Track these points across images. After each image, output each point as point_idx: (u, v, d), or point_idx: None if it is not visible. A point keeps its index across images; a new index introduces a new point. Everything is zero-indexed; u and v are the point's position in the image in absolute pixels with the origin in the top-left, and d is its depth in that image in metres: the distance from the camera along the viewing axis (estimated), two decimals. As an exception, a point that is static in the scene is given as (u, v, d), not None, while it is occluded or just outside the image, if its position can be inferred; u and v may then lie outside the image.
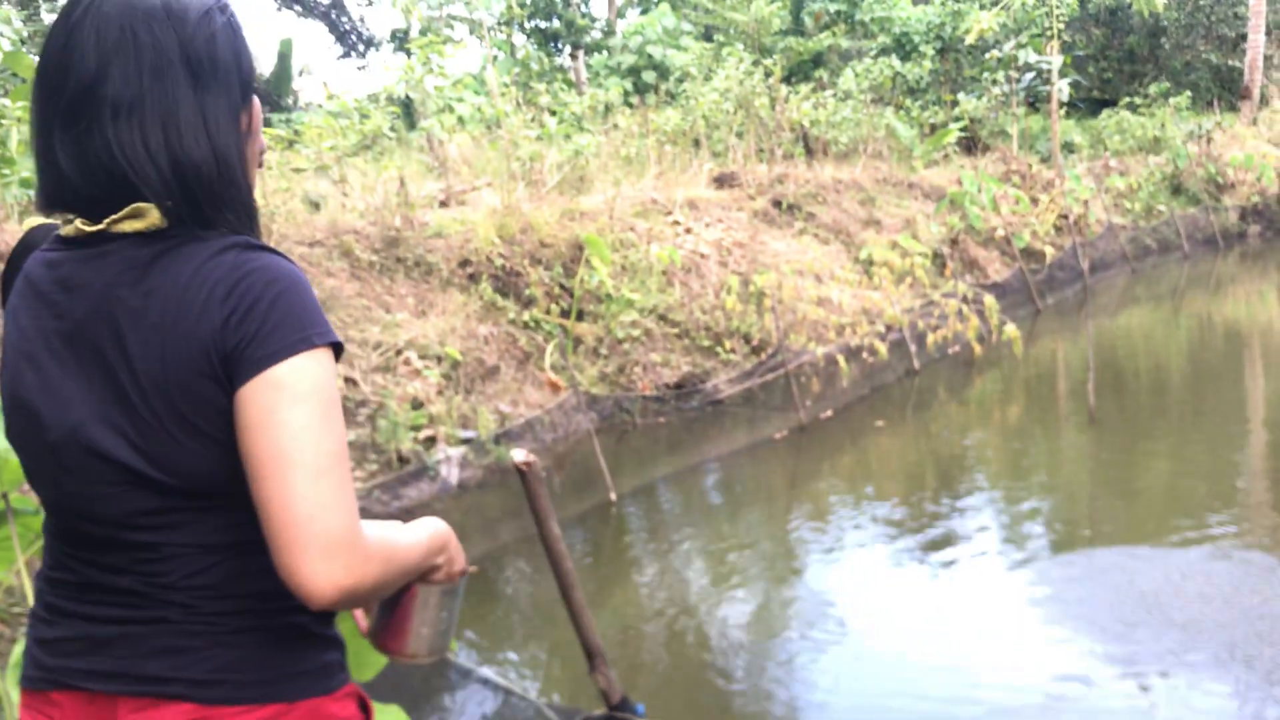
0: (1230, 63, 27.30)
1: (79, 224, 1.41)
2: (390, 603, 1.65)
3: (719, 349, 11.34)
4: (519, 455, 2.94)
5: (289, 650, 1.47)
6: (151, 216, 1.38)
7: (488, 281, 10.52)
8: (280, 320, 1.35)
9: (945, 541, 7.17)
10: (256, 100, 1.53)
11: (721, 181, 15.42)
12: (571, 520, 8.30)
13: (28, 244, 1.53)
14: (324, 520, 1.30)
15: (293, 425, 1.32)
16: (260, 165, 1.55)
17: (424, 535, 1.57)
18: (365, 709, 1.56)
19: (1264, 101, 25.22)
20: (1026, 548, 7.08)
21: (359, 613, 1.74)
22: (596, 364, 10.58)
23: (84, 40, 1.36)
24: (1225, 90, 27.11)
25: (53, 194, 1.43)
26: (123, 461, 1.38)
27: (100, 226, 1.39)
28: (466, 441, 8.81)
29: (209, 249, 1.38)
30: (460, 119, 15.34)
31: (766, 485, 9.19)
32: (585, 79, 25.70)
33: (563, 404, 9.72)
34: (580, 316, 10.82)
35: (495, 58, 23.19)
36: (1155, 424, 10.36)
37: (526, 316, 10.50)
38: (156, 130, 1.36)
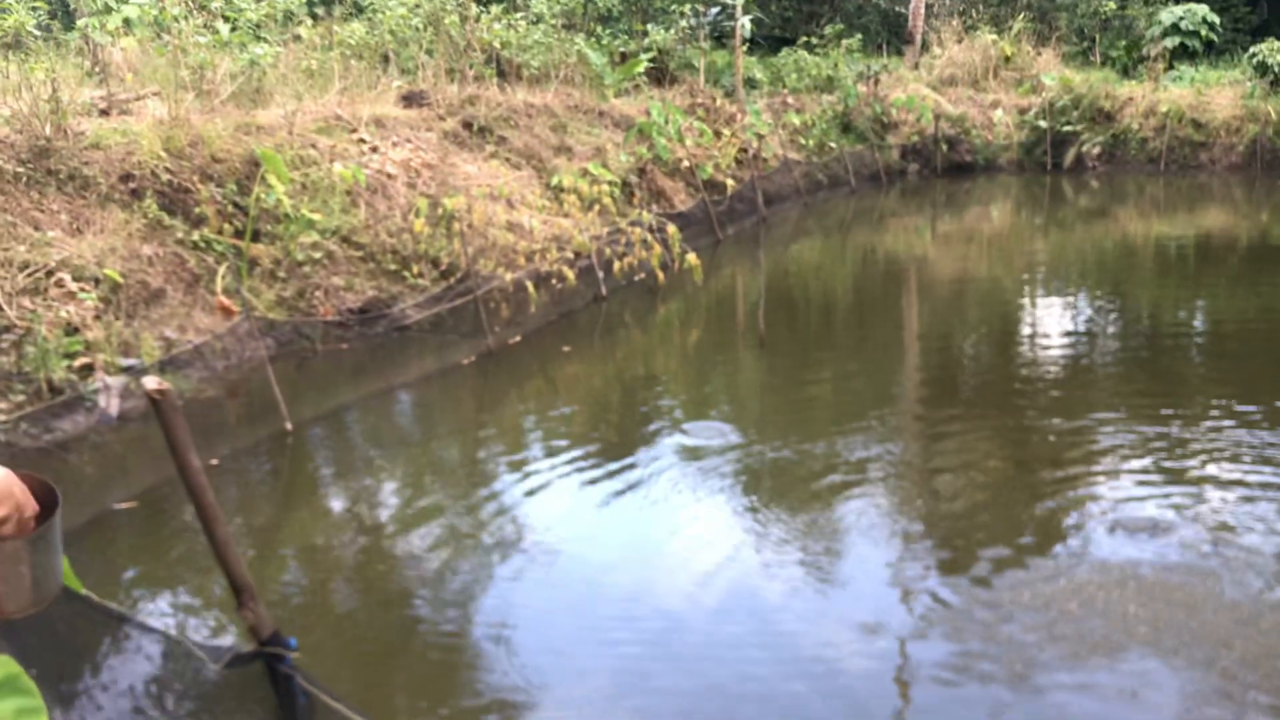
0: (897, 8, 29.15)
1: None
2: None
3: (406, 273, 11.07)
4: (150, 383, 2.71)
5: None
6: None
7: (153, 198, 9.74)
8: None
9: (628, 463, 7.35)
10: None
11: (410, 100, 14.96)
12: (244, 451, 7.91)
13: None
14: None
15: None
16: None
17: None
18: None
19: (926, 47, 27.11)
20: (700, 462, 7.37)
21: None
22: (274, 287, 10.07)
23: None
24: (893, 35, 28.96)
25: None
26: None
27: None
28: (128, 370, 8.18)
29: None
30: (126, 20, 14.05)
31: (454, 412, 9.11)
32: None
33: (235, 329, 9.20)
34: (256, 237, 10.24)
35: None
36: (820, 346, 11.06)
37: (196, 236, 9.83)
38: None
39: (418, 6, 16.09)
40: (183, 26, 12.05)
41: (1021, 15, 27.03)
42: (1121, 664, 4.64)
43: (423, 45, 16.41)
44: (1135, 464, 6.98)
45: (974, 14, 27.93)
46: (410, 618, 5.44)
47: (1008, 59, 25.78)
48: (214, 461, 7.46)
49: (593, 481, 7.04)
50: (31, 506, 1.47)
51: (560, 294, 11.65)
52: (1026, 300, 12.85)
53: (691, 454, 7.50)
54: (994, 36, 25.97)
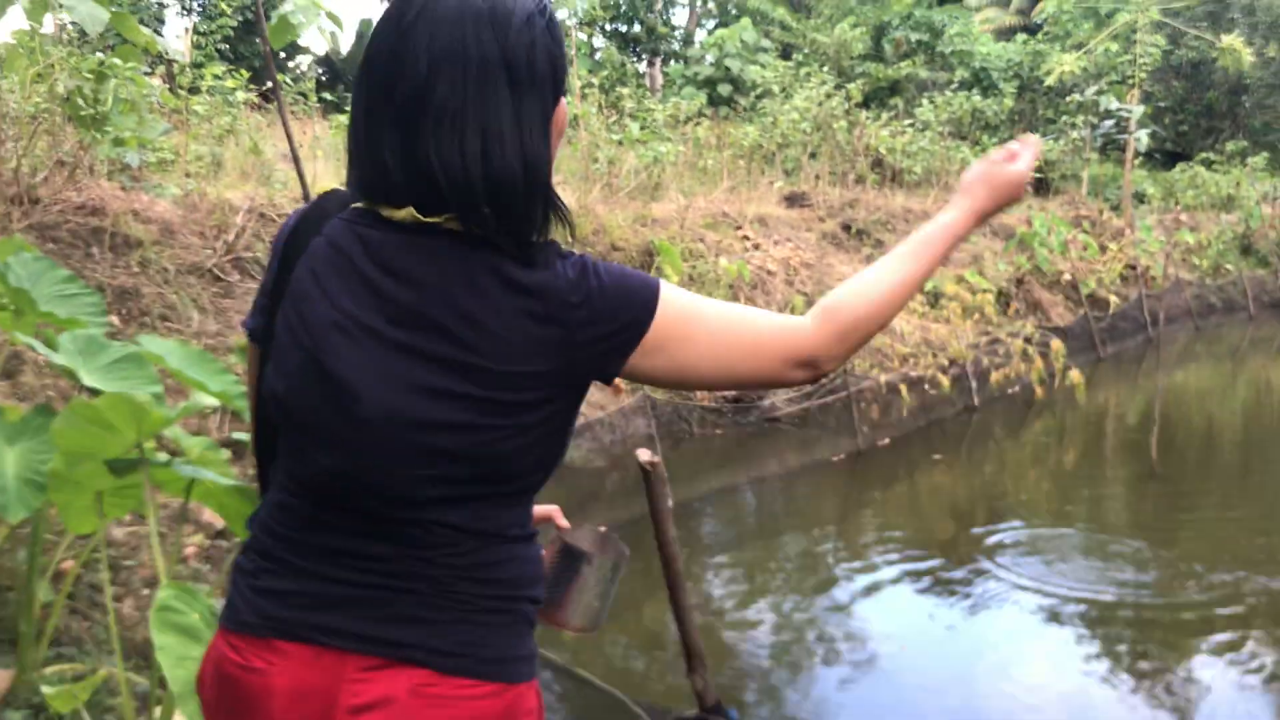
0: (1311, 126, 27.02)
1: (412, 213, 1.45)
2: (559, 577, 1.81)
3: (780, 367, 11.36)
4: (644, 455, 3.02)
5: (519, 636, 1.56)
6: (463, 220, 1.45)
7: (560, 279, 10.60)
8: (624, 300, 1.50)
9: (982, 580, 7.16)
10: (564, 101, 1.58)
11: (792, 201, 15.46)
12: (624, 522, 8.37)
13: (323, 208, 1.58)
14: (783, 320, 1.61)
15: (701, 309, 1.54)
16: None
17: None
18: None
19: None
20: (1069, 595, 7.06)
21: None
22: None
23: (417, 44, 1.41)
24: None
25: (372, 184, 1.48)
26: (443, 445, 1.45)
27: (435, 220, 1.45)
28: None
29: (534, 255, 1.48)
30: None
31: (819, 507, 9.21)
32: (660, 86, 25.82)
33: (623, 407, 9.80)
34: (648, 322, 10.89)
35: (573, 58, 23.37)
36: (1215, 479, 10.29)
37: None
38: (475, 140, 1.41)
39: (808, 111, 16.64)
40: (594, 123, 13.11)
41: None
42: None
43: (808, 148, 16.92)
44: None
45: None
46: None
47: None
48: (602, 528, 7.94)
49: (950, 592, 6.92)
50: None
51: (931, 401, 11.55)
52: None
53: (1051, 571, 7.21)
54: None
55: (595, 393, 10.08)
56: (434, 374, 1.44)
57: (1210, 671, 5.89)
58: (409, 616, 1.48)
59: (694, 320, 1.51)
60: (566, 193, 12.68)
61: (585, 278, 1.48)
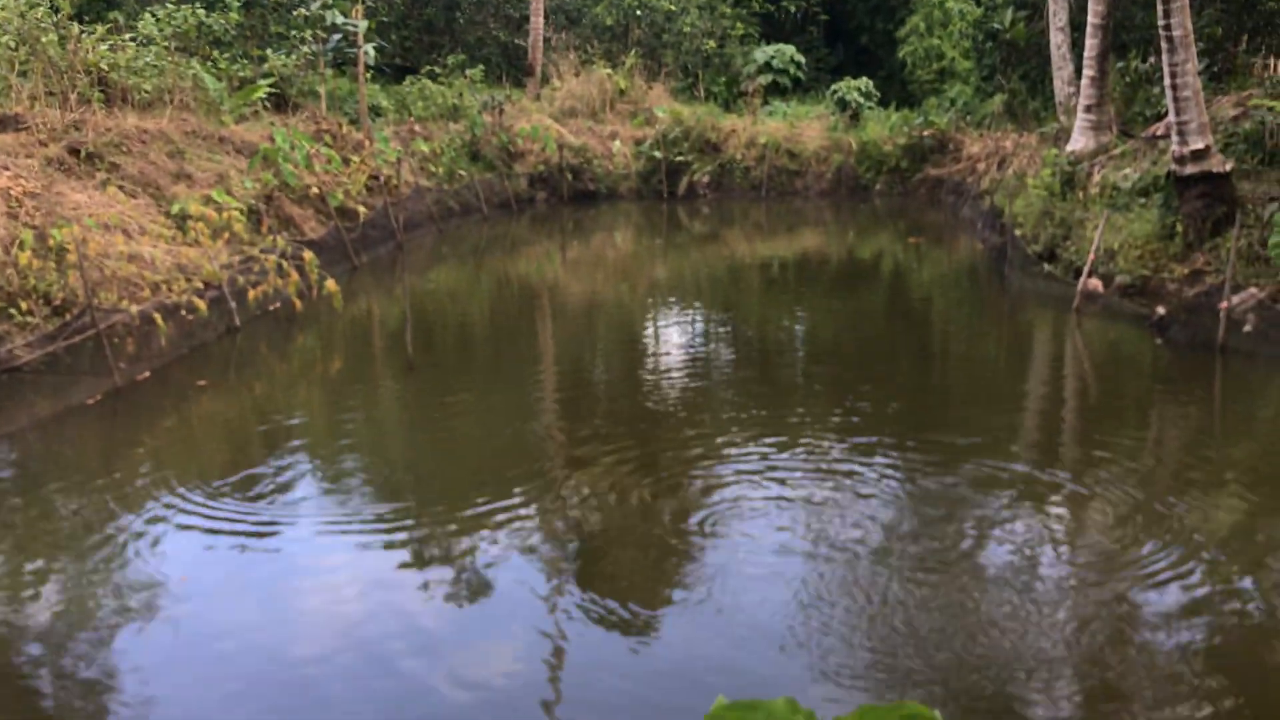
0: (516, 41, 29.96)
1: None
2: None
3: (13, 311, 10.24)
4: None
5: None
6: None
7: None
8: None
9: (278, 504, 7.25)
10: None
11: (3, 124, 13.80)
12: None
13: None
14: None
15: None
16: None
17: None
18: None
19: (545, 79, 28.06)
20: (349, 500, 7.40)
21: None
22: None
23: None
24: (513, 66, 29.72)
25: None
26: None
27: None
28: None
29: None
30: None
31: (83, 455, 8.53)
32: None
33: None
34: None
35: None
36: (465, 369, 11.28)
37: None
38: None
39: (8, 24, 14.84)
40: None
41: (633, 51, 28.62)
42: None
43: (15, 66, 15.14)
44: (751, 463, 7.75)
45: (589, 49, 29.21)
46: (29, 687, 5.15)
47: (622, 92, 27.23)
48: None
49: (231, 523, 6.91)
50: None
51: (191, 326, 11.18)
52: (650, 320, 13.72)
53: (338, 486, 7.52)
54: (609, 71, 27.35)
55: None
56: None
57: (495, 547, 6.53)
58: None
59: None
60: None
61: None
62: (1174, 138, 11.68)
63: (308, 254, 12.63)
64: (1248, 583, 5.70)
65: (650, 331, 12.94)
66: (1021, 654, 5.04)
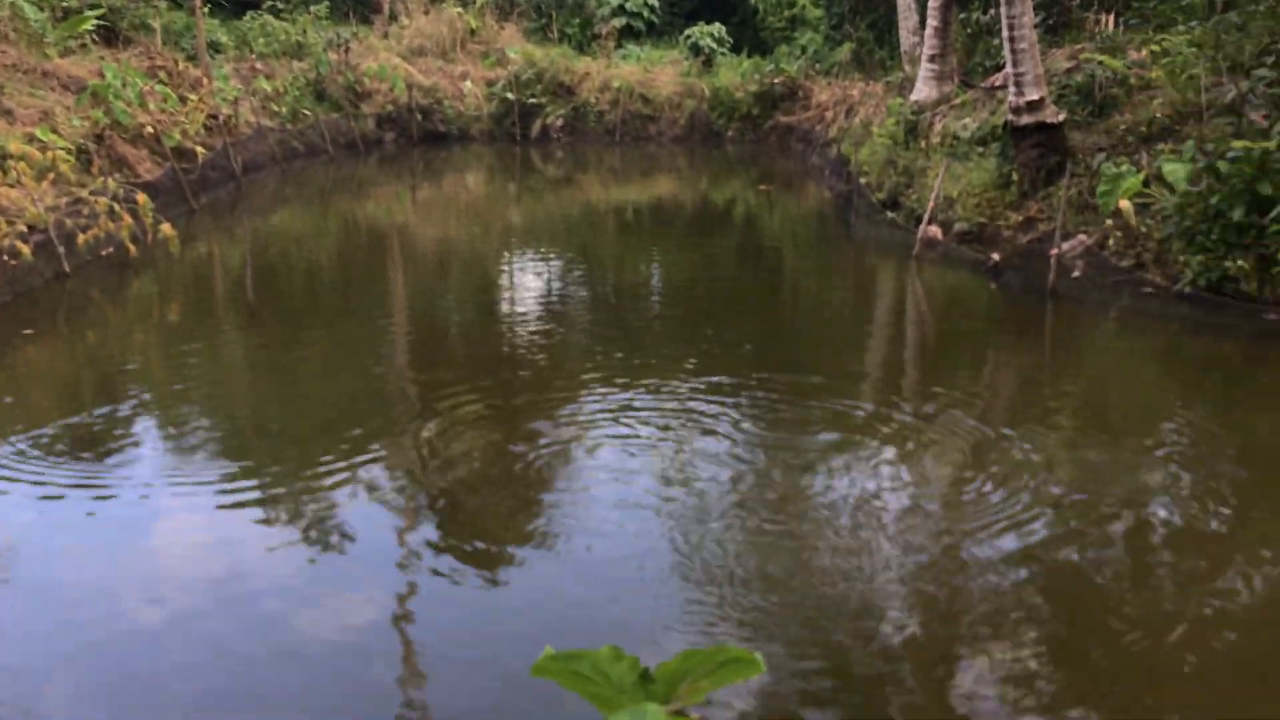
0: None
1: None
2: None
3: None
4: None
5: None
6: None
7: None
8: None
9: (115, 460, 6.98)
10: None
11: None
12: None
13: None
14: None
15: None
16: None
17: None
18: None
19: (394, 17, 27.32)
20: (193, 455, 7.18)
21: None
22: None
23: None
24: (360, 2, 28.83)
25: None
26: None
27: None
28: None
29: None
30: None
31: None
32: None
33: None
34: None
35: None
36: (310, 315, 11.00)
37: None
38: None
39: None
40: None
41: (484, -11, 28.07)
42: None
43: None
44: (608, 405, 7.79)
45: (439, -14, 28.53)
46: None
47: (473, 32, 26.72)
48: None
49: (64, 483, 6.63)
50: None
51: (15, 272, 10.60)
52: (504, 265, 13.61)
53: (180, 440, 7.29)
54: (459, 9, 26.77)
55: None
56: None
57: (347, 500, 6.41)
58: None
59: None
60: None
61: None
62: (1011, 89, 12.07)
63: (142, 196, 12.09)
64: (1078, 506, 6.01)
65: (504, 276, 12.83)
66: (851, 596, 5.21)
